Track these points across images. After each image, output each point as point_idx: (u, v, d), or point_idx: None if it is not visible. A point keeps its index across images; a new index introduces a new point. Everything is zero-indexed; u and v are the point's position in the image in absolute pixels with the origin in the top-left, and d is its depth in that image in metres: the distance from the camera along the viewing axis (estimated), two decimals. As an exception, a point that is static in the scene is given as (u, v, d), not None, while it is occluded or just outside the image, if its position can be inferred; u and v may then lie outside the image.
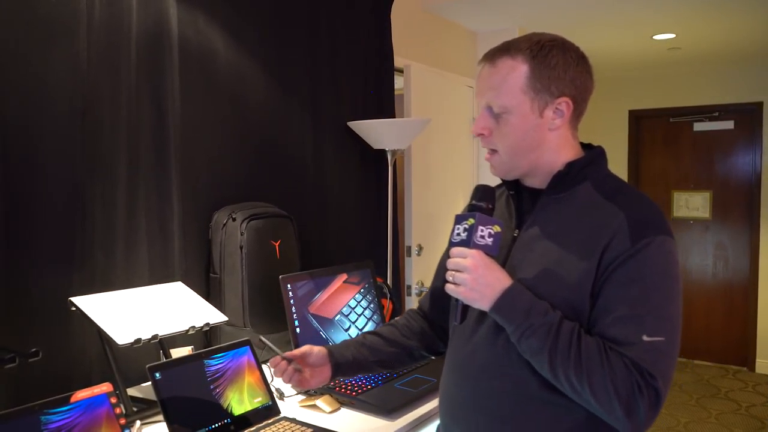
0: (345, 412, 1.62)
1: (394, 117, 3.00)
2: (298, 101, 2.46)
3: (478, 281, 1.10)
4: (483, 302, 1.11)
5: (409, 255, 3.30)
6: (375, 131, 2.60)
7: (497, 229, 1.13)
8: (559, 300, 1.10)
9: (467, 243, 1.12)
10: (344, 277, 2.01)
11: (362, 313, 2.02)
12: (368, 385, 1.70)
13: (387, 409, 1.58)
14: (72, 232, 1.71)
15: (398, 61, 3.12)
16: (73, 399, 1.20)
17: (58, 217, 1.68)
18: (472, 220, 1.13)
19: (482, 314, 1.18)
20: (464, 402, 1.22)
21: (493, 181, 1.30)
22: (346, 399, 1.65)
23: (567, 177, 1.18)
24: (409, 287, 3.28)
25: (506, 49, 1.16)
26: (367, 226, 2.85)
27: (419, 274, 3.29)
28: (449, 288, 1.13)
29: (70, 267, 1.70)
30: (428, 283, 1.47)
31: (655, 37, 4.22)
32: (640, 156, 5.69)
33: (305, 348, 1.36)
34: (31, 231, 1.62)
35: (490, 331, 1.18)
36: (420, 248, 3.30)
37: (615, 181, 1.20)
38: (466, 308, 1.16)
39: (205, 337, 2.04)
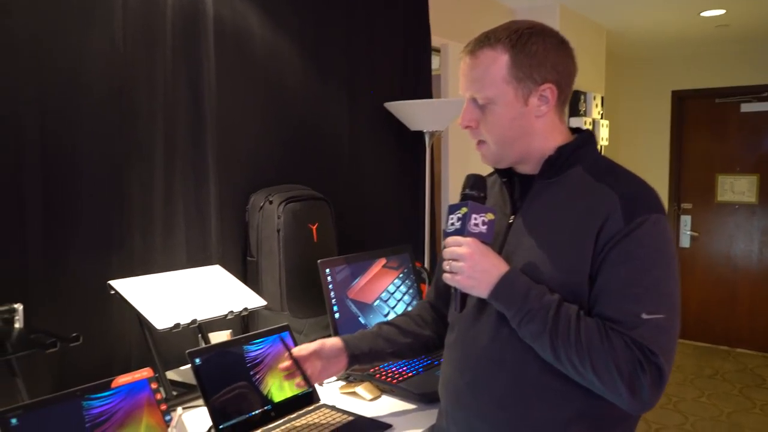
0: (385, 399, 1.58)
1: (431, 98, 2.93)
2: (335, 82, 2.41)
3: (475, 268, 1.11)
4: (480, 289, 1.12)
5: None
6: (412, 112, 2.54)
7: (490, 216, 1.14)
8: (557, 284, 1.10)
9: (461, 232, 1.13)
10: (383, 261, 1.96)
11: (401, 299, 1.98)
12: (408, 373, 1.66)
13: (429, 397, 1.54)
14: (110, 215, 1.70)
15: (435, 41, 3.05)
16: (114, 384, 1.19)
17: (97, 200, 1.67)
18: (465, 209, 1.14)
19: (483, 302, 1.18)
20: (466, 389, 1.22)
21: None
22: (386, 386, 1.61)
23: (558, 161, 1.17)
24: (446, 272, 3.22)
25: (486, 40, 1.16)
26: (403, 210, 2.80)
27: (456, 258, 3.23)
28: (446, 277, 1.15)
29: (109, 250, 1.70)
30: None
31: (703, 14, 4.05)
32: (684, 138, 5.51)
33: (317, 344, 1.39)
34: (70, 214, 1.61)
35: (491, 318, 1.18)
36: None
37: (606, 163, 1.19)
38: (464, 297, 1.17)
39: (243, 321, 2.03)
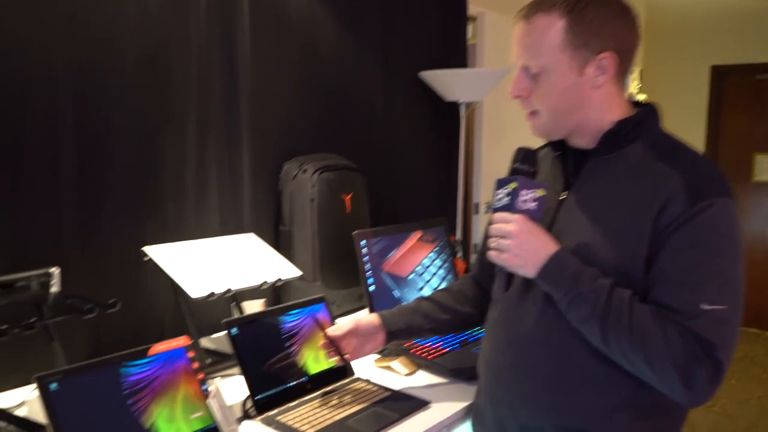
0: (421, 374, 1.55)
1: (466, 67, 2.85)
2: (370, 49, 2.35)
3: (522, 247, 1.07)
4: (528, 269, 1.08)
5: (476, 212, 3.20)
6: (448, 82, 2.47)
7: (541, 192, 1.10)
8: (610, 266, 1.05)
9: (510, 208, 1.09)
10: (419, 234, 1.92)
11: (436, 272, 1.94)
12: (444, 348, 1.63)
13: (465, 374, 1.50)
14: (143, 180, 1.68)
15: (471, 9, 2.96)
16: (151, 352, 1.17)
17: (130, 165, 1.64)
18: (514, 184, 1.09)
19: (529, 281, 1.13)
20: (507, 369, 1.18)
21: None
22: (421, 361, 1.58)
23: (617, 136, 1.10)
24: (476, 246, 3.18)
25: (540, 5, 1.09)
26: (436, 182, 2.75)
27: (486, 233, 3.19)
28: (492, 255, 1.11)
29: (142, 215, 1.68)
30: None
31: (750, -15, 3.88)
32: (721, 115, 5.33)
33: (352, 323, 1.38)
34: (103, 179, 1.59)
35: (537, 299, 1.13)
36: (488, 206, 3.18)
37: (670, 140, 1.12)
38: (511, 275, 1.14)
39: (275, 291, 2.00)
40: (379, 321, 1.39)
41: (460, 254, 2.24)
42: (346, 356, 1.38)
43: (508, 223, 1.08)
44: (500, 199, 1.11)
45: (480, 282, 1.44)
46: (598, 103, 1.10)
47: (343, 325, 1.38)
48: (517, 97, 1.15)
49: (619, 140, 1.10)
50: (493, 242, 1.10)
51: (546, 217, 1.13)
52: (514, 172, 1.12)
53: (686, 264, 1.00)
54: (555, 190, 1.17)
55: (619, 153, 1.11)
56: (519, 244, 1.07)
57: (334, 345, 1.36)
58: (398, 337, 1.41)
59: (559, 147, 1.20)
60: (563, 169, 1.19)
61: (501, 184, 1.12)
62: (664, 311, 1.00)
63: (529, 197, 1.09)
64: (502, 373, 1.20)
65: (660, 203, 1.02)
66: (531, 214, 1.09)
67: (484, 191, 3.16)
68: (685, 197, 1.01)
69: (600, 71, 1.08)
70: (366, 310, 1.73)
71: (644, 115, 1.12)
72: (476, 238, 3.18)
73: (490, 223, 1.13)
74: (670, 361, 0.98)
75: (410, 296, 1.82)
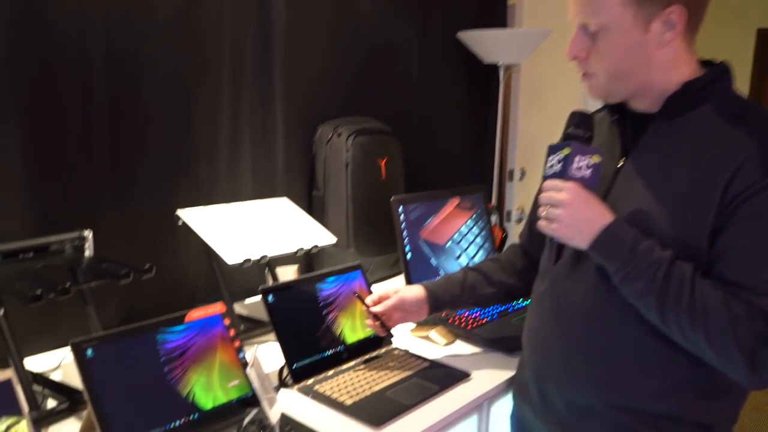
0: (459, 345, 1.51)
1: (505, 28, 2.74)
2: (407, 9, 2.26)
3: (575, 217, 1.00)
4: (580, 240, 1.01)
5: (511, 179, 3.11)
6: (488, 43, 2.37)
7: (596, 159, 1.02)
8: (671, 238, 0.97)
9: (562, 175, 1.02)
10: (456, 201, 1.86)
11: (473, 240, 1.88)
12: (482, 319, 1.59)
13: (504, 345, 1.46)
14: (176, 141, 1.64)
15: (511, -34, 2.83)
16: (187, 319, 1.14)
17: (162, 126, 1.60)
18: (567, 150, 1.02)
19: (580, 253, 1.06)
20: (555, 344, 1.12)
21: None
22: (460, 332, 1.54)
23: (684, 99, 1.01)
24: (509, 213, 3.11)
25: None
26: (472, 147, 2.68)
27: (521, 199, 3.11)
28: (541, 225, 1.05)
29: (175, 177, 1.64)
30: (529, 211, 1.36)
31: (807, -59, 3.66)
32: (766, 82, 5.12)
33: (397, 299, 1.34)
34: (136, 140, 1.55)
35: (589, 271, 1.06)
36: (523, 172, 3.10)
37: (743, 103, 1.01)
38: (561, 247, 1.08)
39: (307, 257, 1.97)
40: (424, 294, 1.35)
41: (495, 221, 2.18)
42: (387, 326, 1.35)
43: (560, 192, 1.01)
44: (552, 166, 1.04)
45: (528, 252, 1.38)
46: (663, 62, 1.01)
47: (387, 300, 1.34)
48: (574, 58, 1.06)
49: (685, 103, 1.02)
50: (542, 211, 1.04)
51: (601, 186, 1.06)
52: (567, 137, 1.04)
53: (757, 237, 0.92)
54: (612, 156, 1.09)
55: (684, 117, 1.02)
56: (571, 213, 1.00)
57: (378, 320, 1.33)
58: (442, 309, 1.38)
59: (617, 110, 1.11)
60: (621, 134, 1.10)
61: (553, 149, 1.05)
62: (729, 288, 0.93)
63: (583, 164, 1.02)
64: (549, 348, 1.14)
65: (730, 171, 0.93)
66: (585, 182, 1.02)
67: (520, 157, 3.07)
68: (758, 165, 0.92)
69: (668, 27, 0.98)
70: (400, 277, 1.69)
71: (714, 75, 1.02)
72: (510, 205, 3.11)
73: (540, 191, 1.07)
74: (735, 341, 0.91)
75: (447, 264, 1.77)
